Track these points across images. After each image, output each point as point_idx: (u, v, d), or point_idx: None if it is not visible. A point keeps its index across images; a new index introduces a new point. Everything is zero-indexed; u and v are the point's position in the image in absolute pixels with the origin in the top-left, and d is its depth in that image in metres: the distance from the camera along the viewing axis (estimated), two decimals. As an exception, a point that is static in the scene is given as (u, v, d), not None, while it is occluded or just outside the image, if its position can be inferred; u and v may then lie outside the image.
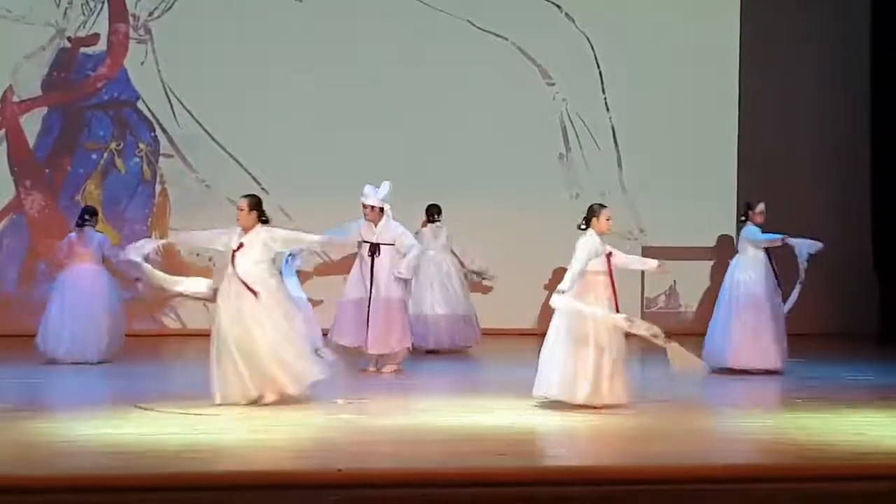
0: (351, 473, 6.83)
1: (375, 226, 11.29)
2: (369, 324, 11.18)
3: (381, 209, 11.25)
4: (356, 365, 11.38)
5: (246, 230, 9.33)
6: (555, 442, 8.18)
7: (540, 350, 9.29)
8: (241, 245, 9.28)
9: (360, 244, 11.40)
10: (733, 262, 11.73)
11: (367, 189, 11.31)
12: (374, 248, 11.27)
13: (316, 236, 9.81)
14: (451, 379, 11.37)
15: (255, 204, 9.36)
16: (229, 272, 9.27)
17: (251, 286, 9.13)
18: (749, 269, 11.53)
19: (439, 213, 13.16)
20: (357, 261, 11.50)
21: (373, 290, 11.20)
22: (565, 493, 6.72)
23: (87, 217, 11.71)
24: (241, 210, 9.36)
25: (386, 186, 11.25)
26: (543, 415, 9.00)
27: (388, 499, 6.70)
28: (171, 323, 14.26)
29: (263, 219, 9.39)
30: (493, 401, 9.67)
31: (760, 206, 11.70)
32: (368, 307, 11.19)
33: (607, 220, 9.40)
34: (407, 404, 9.86)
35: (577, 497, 6.68)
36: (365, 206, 11.30)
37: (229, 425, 8.48)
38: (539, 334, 14.05)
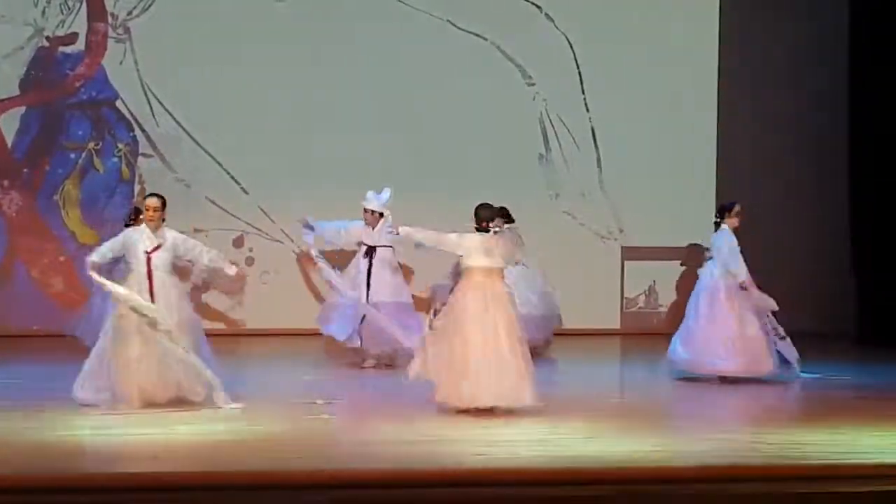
0: (332, 473, 6.84)
1: (373, 229, 11.69)
2: (364, 323, 11.50)
3: (381, 214, 11.66)
4: (339, 365, 11.42)
5: (155, 231, 9.29)
6: (533, 442, 8.18)
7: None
8: (158, 246, 9.24)
9: (359, 245, 11.84)
10: (706, 268, 11.41)
11: (369, 194, 11.76)
12: (371, 251, 11.71)
13: (212, 254, 9.62)
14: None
15: (165, 204, 9.38)
16: (142, 272, 9.17)
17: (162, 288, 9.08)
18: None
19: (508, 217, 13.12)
20: (354, 260, 11.84)
21: (369, 292, 11.56)
22: (549, 493, 6.75)
23: (133, 217, 11.77)
24: (156, 210, 9.31)
25: (387, 192, 11.73)
26: (526, 414, 9.02)
27: (371, 499, 6.71)
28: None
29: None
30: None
31: (737, 208, 11.41)
32: (363, 307, 11.51)
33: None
34: (386, 404, 9.86)
35: (563, 497, 6.71)
36: (365, 210, 11.72)
37: (208, 426, 8.47)
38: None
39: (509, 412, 8.84)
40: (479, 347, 8.91)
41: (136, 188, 14.21)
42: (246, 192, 14.20)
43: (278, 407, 9.13)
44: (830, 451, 7.79)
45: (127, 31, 14.20)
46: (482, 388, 8.84)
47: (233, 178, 14.24)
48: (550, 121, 14.85)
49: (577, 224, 14.79)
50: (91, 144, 14.15)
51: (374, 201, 11.75)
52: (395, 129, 14.38)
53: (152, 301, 9.04)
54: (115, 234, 13.89)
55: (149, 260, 9.19)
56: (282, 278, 14.15)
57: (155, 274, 9.15)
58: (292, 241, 14.11)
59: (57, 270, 13.85)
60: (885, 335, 13.72)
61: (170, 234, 9.37)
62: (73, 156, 14.14)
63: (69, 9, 14.11)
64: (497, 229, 9.38)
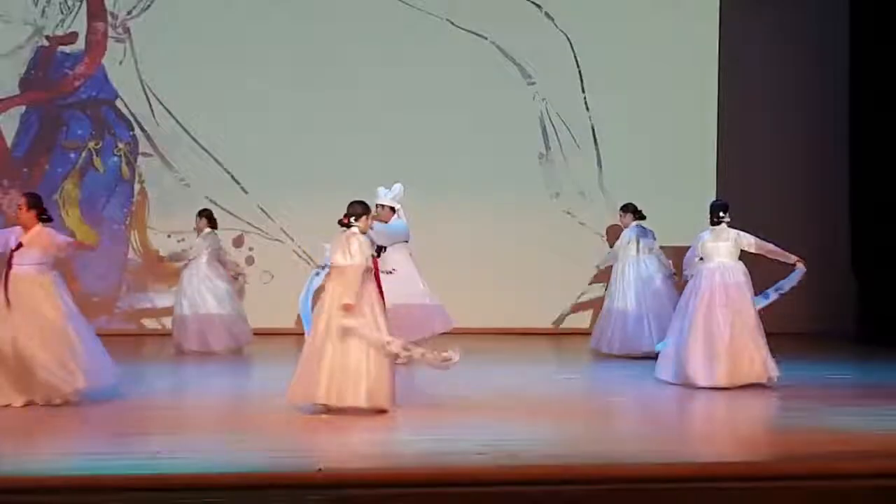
0: (331, 473, 6.82)
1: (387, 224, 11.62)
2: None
3: (393, 209, 11.64)
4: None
5: (26, 229, 9.19)
6: (535, 441, 8.16)
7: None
8: (19, 245, 9.14)
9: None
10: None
11: (381, 190, 11.68)
12: (381, 248, 11.53)
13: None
14: (430, 378, 11.34)
15: (33, 202, 9.24)
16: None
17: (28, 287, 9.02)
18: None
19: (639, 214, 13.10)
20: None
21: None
22: (546, 491, 6.74)
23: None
24: (20, 207, 9.23)
25: (398, 187, 11.67)
26: (524, 413, 9.00)
27: (369, 499, 6.69)
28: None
29: (44, 217, 9.27)
30: (471, 400, 9.68)
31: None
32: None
33: None
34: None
35: (561, 495, 6.70)
36: (379, 206, 11.61)
37: (207, 426, 8.46)
38: (517, 332, 14.24)
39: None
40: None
41: (136, 187, 14.22)
42: (246, 192, 14.20)
43: (278, 406, 9.10)
44: (832, 450, 7.78)
45: (127, 30, 14.20)
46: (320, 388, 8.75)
47: (233, 177, 14.24)
48: (550, 120, 14.84)
49: (577, 223, 14.79)
50: (91, 144, 14.16)
51: (386, 196, 11.69)
52: (394, 128, 14.38)
53: (6, 298, 8.94)
54: (115, 233, 14.06)
55: (10, 257, 9.10)
56: (281, 278, 14.14)
57: (13, 271, 9.05)
58: (292, 240, 14.12)
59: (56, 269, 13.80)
60: (886, 335, 13.71)
61: (42, 235, 9.22)
62: (72, 155, 14.15)
63: (69, 8, 14.11)
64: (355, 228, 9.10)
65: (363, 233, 8.95)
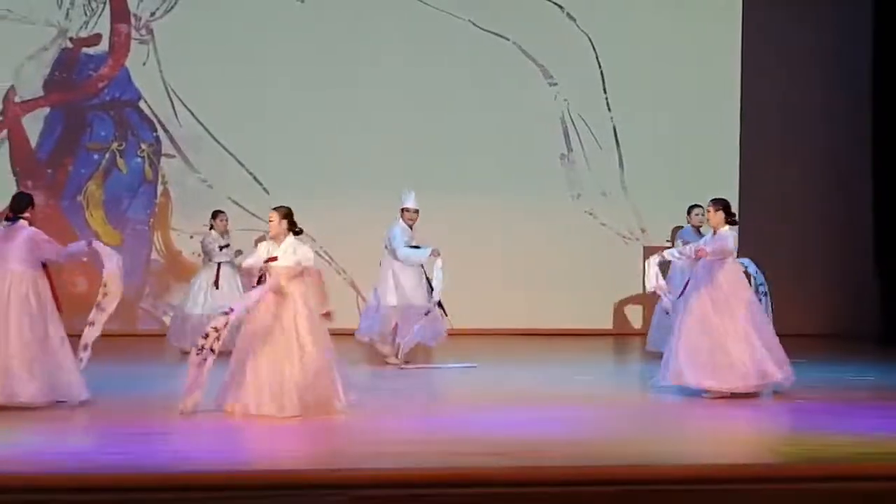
0: (348, 474, 6.84)
1: (411, 229, 11.77)
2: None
3: (417, 211, 11.77)
4: (356, 366, 11.41)
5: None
6: (551, 442, 8.15)
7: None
8: None
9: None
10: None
11: (411, 194, 11.73)
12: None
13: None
14: (451, 379, 11.36)
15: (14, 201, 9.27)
16: None
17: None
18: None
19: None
20: (401, 265, 11.76)
21: (402, 289, 11.67)
22: (563, 492, 6.73)
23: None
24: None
25: (412, 193, 11.77)
26: (543, 414, 9.00)
27: (389, 499, 6.70)
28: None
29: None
30: (490, 400, 9.69)
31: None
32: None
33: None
34: (404, 403, 9.86)
35: (578, 496, 6.69)
36: (410, 210, 11.71)
37: (230, 425, 8.48)
38: (537, 333, 14.23)
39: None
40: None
41: (159, 188, 14.27)
42: (267, 193, 14.23)
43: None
44: (853, 452, 7.75)
45: (150, 31, 14.26)
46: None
47: (255, 178, 14.29)
48: (572, 121, 14.83)
49: (598, 224, 14.77)
50: (114, 145, 14.22)
51: (411, 200, 11.76)
52: (416, 128, 14.40)
53: None
54: (138, 234, 14.10)
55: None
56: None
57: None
58: (314, 240, 14.12)
59: (80, 271, 13.88)
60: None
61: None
62: (96, 156, 14.21)
63: (92, 10, 14.18)
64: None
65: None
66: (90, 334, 9.09)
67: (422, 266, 11.82)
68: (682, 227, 12.70)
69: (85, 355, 9.05)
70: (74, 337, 9.20)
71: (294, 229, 9.20)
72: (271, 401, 8.64)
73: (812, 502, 6.98)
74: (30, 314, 8.92)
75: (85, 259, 9.71)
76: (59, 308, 9.14)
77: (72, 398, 8.95)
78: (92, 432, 8.32)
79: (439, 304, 11.59)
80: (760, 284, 11.20)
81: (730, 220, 10.15)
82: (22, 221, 9.18)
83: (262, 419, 8.60)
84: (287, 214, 9.23)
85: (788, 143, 15.07)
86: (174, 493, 6.62)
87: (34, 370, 8.83)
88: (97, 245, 9.28)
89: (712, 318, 9.90)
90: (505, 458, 7.38)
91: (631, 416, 9.24)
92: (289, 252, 9.05)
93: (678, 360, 9.95)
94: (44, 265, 9.19)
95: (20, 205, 9.25)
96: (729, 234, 10.08)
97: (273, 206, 9.34)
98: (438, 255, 11.52)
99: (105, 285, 9.15)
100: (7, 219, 9.25)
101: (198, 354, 8.67)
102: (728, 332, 9.85)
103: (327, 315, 8.99)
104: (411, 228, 11.79)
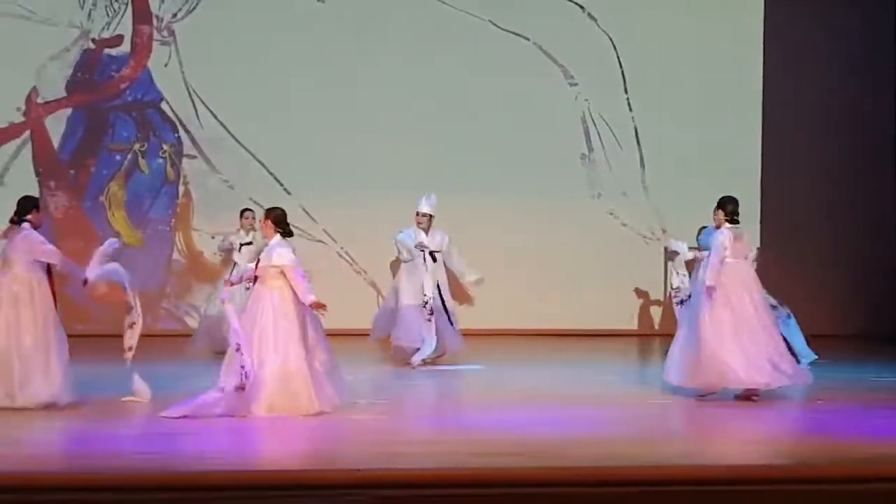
0: (368, 474, 6.85)
1: (427, 233, 11.94)
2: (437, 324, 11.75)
3: (431, 216, 11.98)
4: (379, 365, 11.47)
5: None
6: (571, 442, 8.16)
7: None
8: None
9: (420, 248, 11.99)
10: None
11: (423, 200, 11.96)
12: (432, 255, 11.96)
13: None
14: (470, 379, 11.37)
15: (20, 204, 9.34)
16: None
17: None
18: None
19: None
20: (411, 266, 11.97)
21: (432, 292, 11.81)
22: (583, 493, 6.73)
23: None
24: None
25: (433, 197, 11.99)
26: (563, 415, 9.00)
27: (410, 499, 6.72)
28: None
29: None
30: (511, 400, 9.70)
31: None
32: (444, 303, 11.91)
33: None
34: (427, 405, 9.87)
35: (597, 497, 6.69)
36: (423, 215, 11.94)
37: (247, 425, 8.51)
38: (558, 333, 14.22)
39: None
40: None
41: (181, 189, 14.32)
42: (288, 193, 14.26)
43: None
44: (875, 453, 7.73)
45: (171, 33, 14.31)
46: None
47: (275, 178, 14.32)
48: (593, 120, 14.82)
49: (619, 224, 14.75)
50: (136, 146, 14.28)
51: (427, 205, 11.98)
52: (437, 129, 14.41)
53: None
54: (159, 234, 14.14)
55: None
56: (324, 279, 14.17)
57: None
58: (335, 241, 14.20)
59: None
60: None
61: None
62: (118, 157, 14.27)
63: (115, 11, 14.24)
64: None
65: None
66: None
67: (442, 265, 12.01)
68: (706, 227, 12.54)
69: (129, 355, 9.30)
70: (73, 337, 9.29)
71: (280, 230, 9.23)
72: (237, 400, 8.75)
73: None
74: (31, 316, 9.03)
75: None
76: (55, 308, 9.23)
77: (59, 401, 9.02)
78: (115, 430, 8.36)
79: (444, 307, 11.79)
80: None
81: (728, 218, 10.06)
82: (25, 224, 9.27)
83: (283, 419, 8.64)
84: (268, 216, 9.33)
85: (810, 143, 15.01)
86: (200, 493, 6.66)
87: (29, 372, 8.96)
88: (93, 279, 9.30)
89: (708, 318, 9.76)
90: (525, 459, 7.39)
91: (650, 417, 9.23)
92: (268, 253, 9.14)
93: (671, 359, 10.00)
94: (49, 269, 9.25)
95: (24, 208, 9.36)
96: (720, 233, 10.01)
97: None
98: (423, 249, 11.82)
99: (131, 307, 9.28)
100: (12, 222, 9.34)
101: (236, 391, 8.77)
102: (714, 334, 9.70)
103: (317, 306, 8.94)
104: (426, 233, 11.96)
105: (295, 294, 8.98)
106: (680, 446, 8.06)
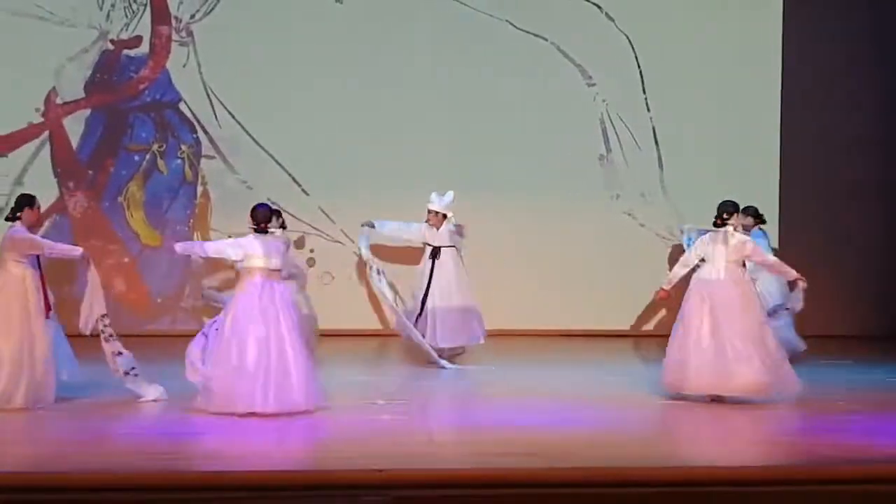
0: (385, 474, 6.85)
1: (437, 230, 12.06)
2: (435, 320, 11.86)
3: (444, 215, 12.05)
4: (398, 365, 11.48)
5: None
6: (588, 443, 8.15)
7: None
8: None
9: (424, 246, 12.20)
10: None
11: (433, 196, 12.12)
12: (436, 252, 12.06)
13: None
14: (487, 380, 11.37)
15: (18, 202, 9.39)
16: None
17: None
18: None
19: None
20: (422, 268, 12.17)
21: (434, 290, 11.90)
22: (596, 494, 6.73)
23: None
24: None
25: (450, 195, 12.08)
26: (576, 415, 8.99)
27: (430, 499, 6.72)
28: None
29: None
30: (524, 400, 9.70)
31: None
32: (424, 305, 11.93)
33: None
34: (447, 405, 9.87)
35: (612, 498, 6.69)
36: (430, 212, 12.08)
37: (267, 425, 8.52)
38: (575, 334, 14.20)
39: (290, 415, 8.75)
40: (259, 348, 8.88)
41: (199, 189, 14.34)
42: (307, 193, 14.28)
43: (335, 407, 9.16)
44: (890, 454, 7.70)
45: (190, 34, 14.33)
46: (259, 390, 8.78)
47: (294, 179, 14.33)
48: (611, 121, 14.79)
49: (637, 225, 14.72)
50: (155, 146, 14.30)
51: (437, 203, 12.07)
52: (454, 129, 14.40)
53: None
54: (178, 235, 14.17)
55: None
56: (342, 279, 14.22)
57: None
58: (353, 241, 14.18)
59: (120, 271, 14.01)
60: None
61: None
62: (136, 158, 14.30)
63: (133, 12, 14.27)
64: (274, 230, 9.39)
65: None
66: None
67: (450, 263, 12.09)
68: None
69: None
70: (79, 337, 9.38)
71: (254, 226, 9.26)
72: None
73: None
74: (19, 313, 9.07)
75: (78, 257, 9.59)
76: (48, 308, 9.24)
77: (46, 401, 9.05)
78: (131, 430, 8.39)
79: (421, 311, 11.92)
80: None
81: (715, 222, 10.04)
82: (16, 222, 9.27)
83: (301, 419, 8.65)
84: (252, 214, 9.38)
85: (830, 142, 14.95)
86: (215, 493, 6.67)
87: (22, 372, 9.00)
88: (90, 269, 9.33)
89: (693, 323, 9.77)
90: (538, 459, 7.39)
91: (663, 419, 9.22)
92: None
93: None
94: (39, 266, 9.26)
95: (17, 205, 9.35)
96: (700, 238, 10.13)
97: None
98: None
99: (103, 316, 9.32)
100: (7, 219, 9.38)
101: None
102: (700, 338, 9.68)
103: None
104: (437, 230, 12.07)
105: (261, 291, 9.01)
106: (691, 448, 8.04)
